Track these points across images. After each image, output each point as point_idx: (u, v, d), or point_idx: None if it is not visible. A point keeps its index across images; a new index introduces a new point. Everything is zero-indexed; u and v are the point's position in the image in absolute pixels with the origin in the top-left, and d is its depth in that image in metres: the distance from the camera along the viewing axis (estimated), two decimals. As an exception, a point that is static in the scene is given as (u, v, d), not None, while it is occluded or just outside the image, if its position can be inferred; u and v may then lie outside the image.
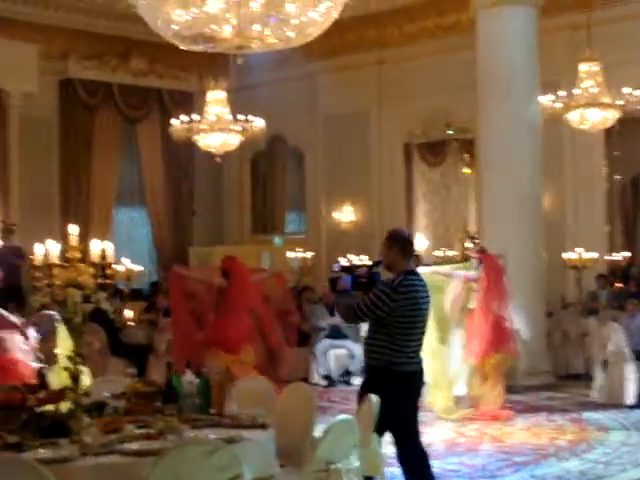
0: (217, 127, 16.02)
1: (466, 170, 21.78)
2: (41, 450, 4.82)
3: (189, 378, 5.81)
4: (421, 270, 12.29)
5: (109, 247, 5.68)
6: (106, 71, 20.86)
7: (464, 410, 11.95)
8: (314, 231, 21.72)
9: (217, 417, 5.63)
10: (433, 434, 10.83)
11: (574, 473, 8.76)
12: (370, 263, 7.70)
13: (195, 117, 16.20)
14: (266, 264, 20.67)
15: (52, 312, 8.85)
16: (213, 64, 18.76)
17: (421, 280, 7.06)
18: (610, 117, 15.21)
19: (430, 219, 22.31)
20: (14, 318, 8.58)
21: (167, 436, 5.10)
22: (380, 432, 6.29)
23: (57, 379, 6.22)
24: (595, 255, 17.40)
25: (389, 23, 20.08)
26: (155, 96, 21.78)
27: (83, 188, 20.69)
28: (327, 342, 15.46)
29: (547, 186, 15.69)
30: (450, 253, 21.48)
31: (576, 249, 17.37)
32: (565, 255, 17.38)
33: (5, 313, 8.55)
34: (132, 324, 15.49)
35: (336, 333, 15.48)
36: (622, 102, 14.88)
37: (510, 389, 12.71)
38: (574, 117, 15.14)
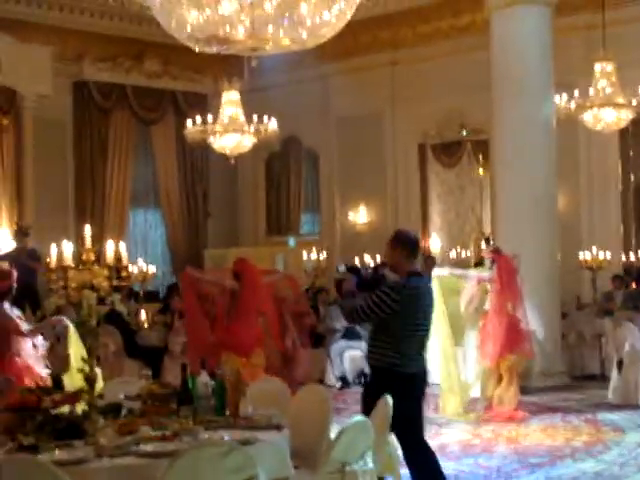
0: (231, 129, 16.03)
1: (481, 171, 21.73)
2: (56, 452, 4.84)
3: (204, 380, 5.82)
4: (437, 272, 12.45)
5: (123, 249, 5.70)
6: (120, 73, 20.88)
7: (476, 413, 11.94)
8: (328, 232, 21.72)
9: (232, 418, 5.64)
10: (448, 435, 10.84)
11: (589, 474, 8.74)
12: (375, 264, 7.72)
13: (209, 119, 16.20)
14: (280, 266, 20.67)
15: (62, 317, 8.88)
16: (227, 66, 18.77)
17: (426, 282, 7.05)
18: (624, 117, 15.17)
19: (445, 220, 22.26)
20: (25, 325, 8.60)
21: (182, 437, 5.12)
22: None
23: (70, 383, 6.24)
24: (610, 255, 17.37)
25: (403, 24, 20.05)
26: (169, 98, 21.80)
27: (98, 190, 20.72)
28: (342, 343, 15.45)
29: (562, 186, 15.67)
30: (465, 254, 21.44)
31: (591, 249, 17.34)
32: (580, 256, 17.34)
33: (18, 319, 8.57)
34: (147, 326, 15.52)
35: (351, 334, 15.46)
36: (636, 102, 14.84)
37: (525, 390, 12.69)
38: (588, 117, 15.10)
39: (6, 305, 8.57)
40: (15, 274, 8.47)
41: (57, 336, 8.90)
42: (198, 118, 16.29)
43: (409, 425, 6.68)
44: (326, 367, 15.46)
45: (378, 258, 18.33)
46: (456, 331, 12.22)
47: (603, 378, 14.33)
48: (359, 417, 5.51)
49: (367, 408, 6.71)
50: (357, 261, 18.90)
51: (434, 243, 21.64)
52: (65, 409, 5.36)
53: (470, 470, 9.03)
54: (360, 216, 20.95)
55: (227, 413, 5.71)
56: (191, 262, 18.92)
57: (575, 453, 9.69)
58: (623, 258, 18.80)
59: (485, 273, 12.22)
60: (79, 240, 5.28)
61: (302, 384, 7.16)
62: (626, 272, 18.41)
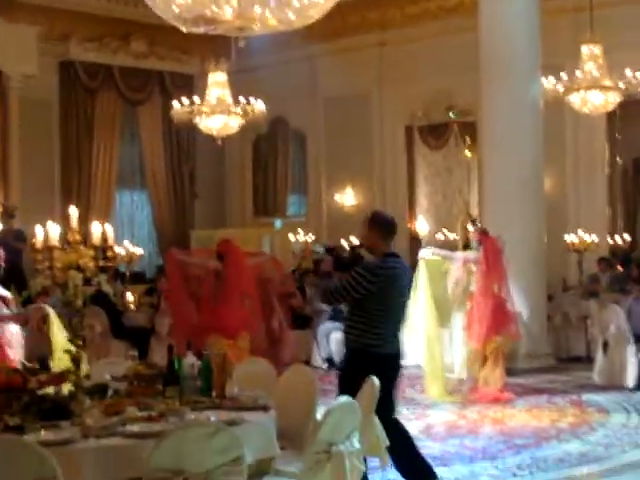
0: (218, 110, 15.98)
1: (468, 153, 21.73)
2: (42, 432, 4.84)
3: (190, 360, 5.83)
4: (422, 253, 12.47)
5: (110, 230, 5.68)
6: (107, 53, 20.80)
7: (461, 394, 11.98)
8: (315, 214, 21.72)
9: (218, 399, 5.64)
10: (434, 416, 10.88)
11: (575, 455, 8.78)
12: (353, 245, 7.71)
13: (196, 100, 16.15)
14: (266, 247, 20.67)
15: (41, 304, 8.84)
16: (214, 46, 18.67)
17: (402, 263, 7.05)
18: (611, 100, 15.16)
19: (432, 202, 22.27)
20: (5, 310, 8.53)
21: (168, 418, 5.12)
22: None
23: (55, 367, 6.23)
24: (596, 238, 17.43)
25: (391, 5, 20.01)
26: (156, 78, 21.73)
27: (84, 171, 20.67)
28: (329, 325, 15.46)
29: (549, 169, 15.69)
30: (452, 236, 21.47)
31: (577, 232, 17.39)
32: (566, 238, 17.39)
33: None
34: (133, 307, 15.52)
35: (338, 316, 15.45)
36: (624, 85, 14.84)
37: (511, 372, 12.73)
38: (576, 100, 15.10)
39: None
40: (3, 254, 8.43)
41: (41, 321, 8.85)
42: (185, 99, 16.24)
43: (382, 406, 6.66)
44: (312, 348, 15.49)
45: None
46: (442, 313, 12.26)
47: (588, 360, 14.37)
48: (345, 398, 5.51)
49: (343, 389, 6.73)
50: (345, 243, 18.90)
51: (421, 225, 21.65)
52: (51, 390, 5.36)
53: (456, 451, 9.06)
54: (347, 198, 20.95)
55: (213, 394, 5.71)
56: (178, 243, 18.95)
57: (560, 434, 9.73)
58: (609, 240, 18.87)
59: (471, 254, 12.25)
60: (65, 221, 5.27)
61: (288, 365, 7.16)
62: (612, 254, 18.48)
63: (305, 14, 6.51)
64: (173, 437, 4.62)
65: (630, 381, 12.44)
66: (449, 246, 17.47)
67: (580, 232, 17.39)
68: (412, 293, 11.89)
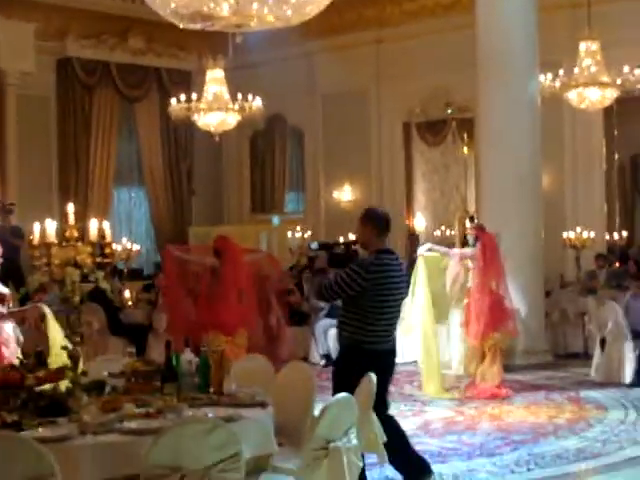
0: (215, 106, 15.97)
1: (466, 150, 21.74)
2: (40, 429, 4.84)
3: (188, 357, 5.82)
4: (420, 249, 12.48)
5: (107, 226, 5.68)
6: (104, 50, 20.78)
7: (459, 390, 11.99)
8: (313, 211, 21.73)
9: (216, 396, 5.64)
10: (432, 413, 10.89)
11: (572, 451, 8.79)
12: (347, 241, 7.69)
13: (193, 96, 16.14)
14: (263, 244, 20.67)
15: (37, 304, 8.82)
16: (211, 43, 18.69)
17: (396, 259, 7.05)
18: (609, 96, 15.17)
19: (429, 199, 22.29)
20: (1, 308, 8.51)
21: (166, 415, 5.12)
22: None
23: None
24: (594, 234, 17.44)
25: (388, 1, 20.02)
26: (154, 75, 21.71)
27: (81, 167, 20.66)
28: (326, 321, 15.45)
29: (546, 165, 15.69)
30: (449, 233, 21.48)
31: (575, 228, 17.40)
32: (564, 234, 17.41)
33: None
34: (131, 304, 15.51)
35: (335, 313, 15.45)
36: (621, 81, 14.84)
37: (508, 368, 12.74)
38: (573, 96, 15.10)
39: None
40: (0, 250, 8.41)
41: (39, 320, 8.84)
42: (182, 96, 16.22)
43: (375, 403, 6.65)
44: (310, 345, 15.48)
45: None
46: (441, 309, 12.27)
47: (586, 356, 14.39)
48: (343, 394, 5.51)
49: (337, 385, 6.75)
50: (343, 240, 18.90)
51: (419, 222, 21.67)
52: (49, 386, 5.35)
53: (453, 447, 9.06)
54: (345, 194, 20.95)
55: (211, 390, 5.71)
56: (175, 240, 18.95)
57: (558, 430, 9.74)
58: (607, 237, 18.90)
59: (467, 250, 12.25)
60: (62, 218, 5.26)
61: (286, 362, 7.16)
62: (609, 251, 18.51)
63: (302, 11, 6.51)
64: (171, 434, 4.62)
65: (627, 377, 12.45)
66: (446, 243, 17.48)
67: (578, 228, 17.41)
68: (411, 289, 11.99)
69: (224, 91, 16.01)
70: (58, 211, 18.15)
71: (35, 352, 5.80)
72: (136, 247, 19.49)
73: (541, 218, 14.92)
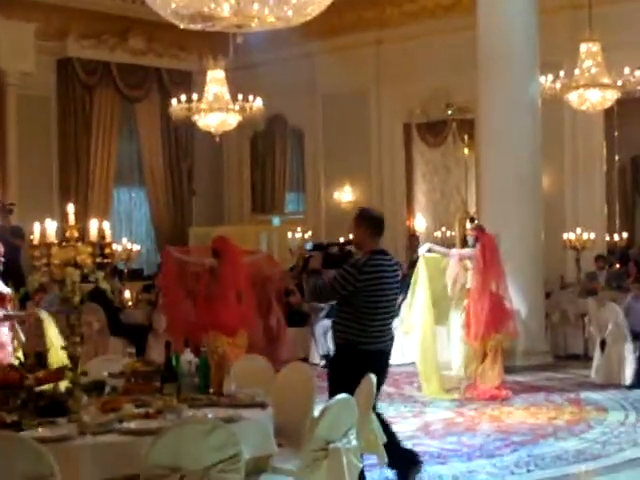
0: (216, 107, 15.96)
1: (466, 150, 21.75)
2: (39, 429, 4.84)
3: (188, 357, 5.82)
4: (421, 250, 12.47)
5: (107, 227, 5.67)
6: (104, 50, 20.77)
7: (459, 391, 11.98)
8: (313, 211, 21.73)
9: (215, 396, 5.64)
10: (432, 414, 10.89)
11: (572, 452, 8.78)
12: (341, 242, 7.68)
13: (194, 97, 16.13)
14: (263, 245, 20.67)
15: (34, 310, 8.84)
16: (212, 43, 18.69)
17: (390, 260, 7.05)
18: (609, 97, 15.17)
19: (430, 200, 22.29)
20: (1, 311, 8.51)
21: (166, 415, 5.12)
22: None
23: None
24: (594, 235, 17.43)
25: (388, 2, 20.01)
26: (154, 75, 21.70)
27: (82, 168, 20.64)
28: (326, 322, 15.41)
29: (546, 166, 15.69)
30: (449, 234, 21.48)
31: (575, 229, 17.40)
32: (564, 235, 17.40)
33: None
34: (131, 304, 15.51)
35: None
36: (621, 83, 14.83)
37: (509, 369, 12.73)
38: (574, 97, 15.10)
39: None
40: (1, 250, 8.41)
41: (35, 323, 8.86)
42: (183, 96, 16.22)
43: None
44: (310, 346, 15.48)
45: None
46: (441, 310, 12.26)
47: (586, 358, 14.39)
48: (343, 395, 5.51)
49: (332, 385, 6.75)
50: (342, 241, 18.88)
51: (419, 223, 21.66)
52: (48, 387, 5.35)
53: (453, 448, 9.06)
54: (345, 195, 20.95)
55: (211, 391, 5.71)
56: (175, 240, 18.95)
57: (557, 432, 9.74)
58: (607, 238, 18.89)
59: (466, 251, 12.24)
60: (63, 218, 5.25)
61: (286, 363, 7.16)
62: (610, 252, 18.51)
63: (303, 11, 6.51)
64: (170, 434, 4.62)
65: (627, 379, 12.44)
66: (447, 244, 17.49)
67: (578, 230, 17.40)
68: (411, 290, 11.99)
69: (225, 91, 16.00)
70: (58, 211, 18.14)
71: (35, 352, 5.80)
72: (136, 247, 19.48)
73: (541, 219, 14.92)
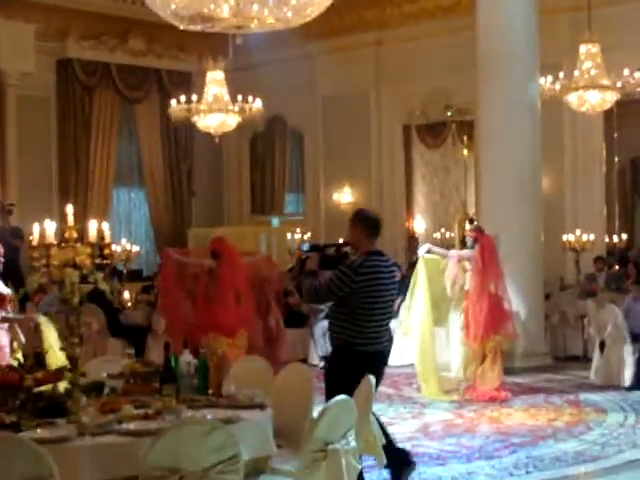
0: (216, 108, 15.96)
1: (465, 152, 21.75)
2: (38, 430, 4.84)
3: (187, 358, 5.81)
4: (420, 251, 12.47)
5: (107, 227, 5.66)
6: (104, 51, 20.77)
7: (458, 393, 11.98)
8: (313, 212, 21.72)
9: (215, 397, 5.63)
10: (431, 415, 10.88)
11: (571, 454, 8.78)
12: (338, 243, 7.66)
13: (194, 98, 16.13)
14: (263, 246, 20.67)
15: (31, 315, 8.84)
16: (212, 44, 18.69)
17: (386, 261, 7.05)
18: (609, 99, 15.17)
19: (429, 201, 22.29)
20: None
21: (165, 416, 5.12)
22: None
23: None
24: (593, 237, 17.43)
25: (388, 3, 20.02)
26: (154, 76, 21.69)
27: (81, 168, 20.64)
28: (325, 323, 15.32)
29: (546, 168, 15.68)
30: (449, 235, 21.48)
31: (575, 231, 17.40)
32: (564, 237, 17.40)
33: None
34: (130, 305, 15.51)
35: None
36: (621, 84, 14.83)
37: (508, 370, 12.73)
38: (573, 99, 15.10)
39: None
40: (1, 251, 8.41)
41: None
42: (182, 97, 16.21)
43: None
44: (309, 346, 15.47)
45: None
46: (441, 312, 12.26)
47: (586, 359, 14.38)
48: (342, 396, 5.51)
49: (328, 386, 6.75)
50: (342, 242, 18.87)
51: (418, 224, 21.66)
52: (47, 387, 5.35)
53: (452, 450, 9.05)
54: (344, 196, 20.94)
55: (210, 392, 5.71)
56: (175, 241, 18.95)
57: (557, 433, 9.73)
58: (606, 240, 18.89)
59: (465, 252, 12.24)
60: (62, 218, 5.24)
61: (285, 363, 7.16)
62: (609, 254, 18.51)
63: (302, 13, 6.51)
64: (169, 435, 4.61)
65: (627, 380, 12.44)
66: (446, 245, 17.49)
67: (577, 231, 17.40)
68: (410, 290, 11.99)
69: (224, 92, 16.00)
70: (58, 212, 18.14)
71: (34, 353, 5.80)
72: (136, 248, 19.48)
73: (541, 221, 14.91)
